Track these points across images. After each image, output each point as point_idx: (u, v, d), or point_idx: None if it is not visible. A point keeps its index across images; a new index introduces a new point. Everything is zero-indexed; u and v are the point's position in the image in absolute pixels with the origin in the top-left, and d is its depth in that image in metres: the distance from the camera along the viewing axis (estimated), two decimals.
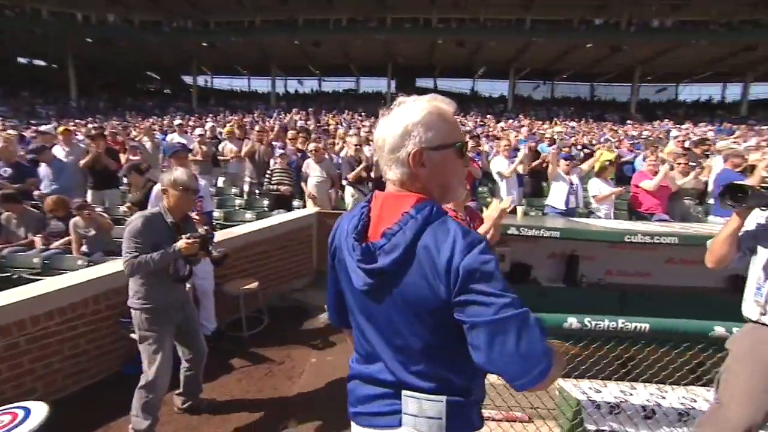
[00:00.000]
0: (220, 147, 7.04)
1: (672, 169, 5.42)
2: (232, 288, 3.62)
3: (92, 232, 4.09)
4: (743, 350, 1.77)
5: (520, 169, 5.89)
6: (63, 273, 3.20)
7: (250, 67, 32.10)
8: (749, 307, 1.80)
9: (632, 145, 10.67)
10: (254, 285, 3.68)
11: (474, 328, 0.81)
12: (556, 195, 5.05)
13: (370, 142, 7.44)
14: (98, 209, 5.04)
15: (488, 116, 19.93)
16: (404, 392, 0.91)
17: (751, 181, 5.37)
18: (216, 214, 5.44)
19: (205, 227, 2.37)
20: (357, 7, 23.78)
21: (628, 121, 20.58)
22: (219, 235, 3.83)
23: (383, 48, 25.51)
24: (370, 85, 33.16)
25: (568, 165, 5.11)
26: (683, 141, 10.45)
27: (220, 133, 8.55)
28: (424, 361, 0.90)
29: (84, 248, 4.14)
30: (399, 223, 0.88)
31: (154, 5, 24.26)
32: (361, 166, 5.41)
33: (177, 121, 7.97)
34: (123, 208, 4.87)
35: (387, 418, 0.94)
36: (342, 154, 6.52)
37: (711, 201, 5.66)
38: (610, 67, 27.24)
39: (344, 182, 5.64)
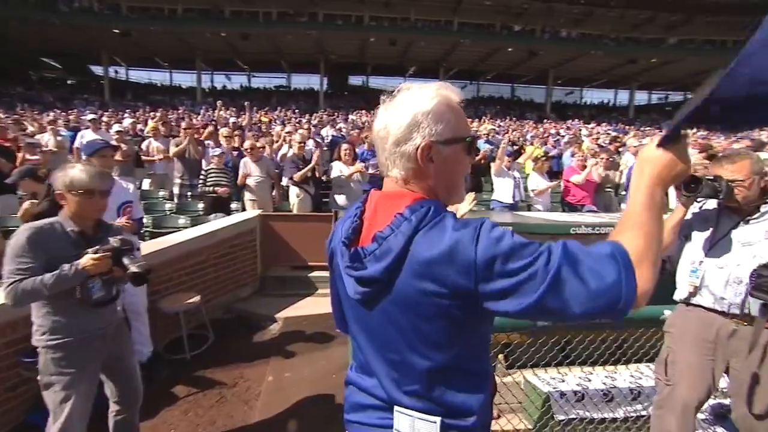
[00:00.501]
0: (143, 146, 6.32)
1: (596, 164, 5.92)
2: (170, 304, 3.22)
3: None
4: (681, 332, 1.91)
5: None
6: None
7: (173, 59, 29.55)
8: (683, 290, 1.93)
9: (555, 142, 11.59)
10: (196, 299, 3.31)
11: (537, 309, 0.69)
12: (503, 190, 5.25)
13: (311, 140, 7.18)
14: None
15: None
16: (396, 408, 0.83)
17: None
18: (144, 220, 4.86)
19: (120, 237, 1.87)
20: (286, 0, 22.96)
21: (545, 120, 22.45)
22: (151, 245, 3.40)
23: (315, 44, 24.97)
24: (302, 81, 32.27)
25: (509, 160, 5.34)
26: (597, 138, 11.57)
27: (142, 130, 7.70)
28: (419, 381, 0.81)
29: None
30: (391, 226, 0.78)
31: None
32: (309, 166, 5.17)
33: (90, 116, 6.94)
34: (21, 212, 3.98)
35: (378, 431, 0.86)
36: (282, 152, 6.19)
37: (624, 192, 6.28)
38: (527, 70, 29.46)
39: (288, 182, 5.35)
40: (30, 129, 7.91)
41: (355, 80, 33.59)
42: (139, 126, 9.39)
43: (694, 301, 1.89)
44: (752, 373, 1.72)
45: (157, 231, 4.71)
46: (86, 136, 6.26)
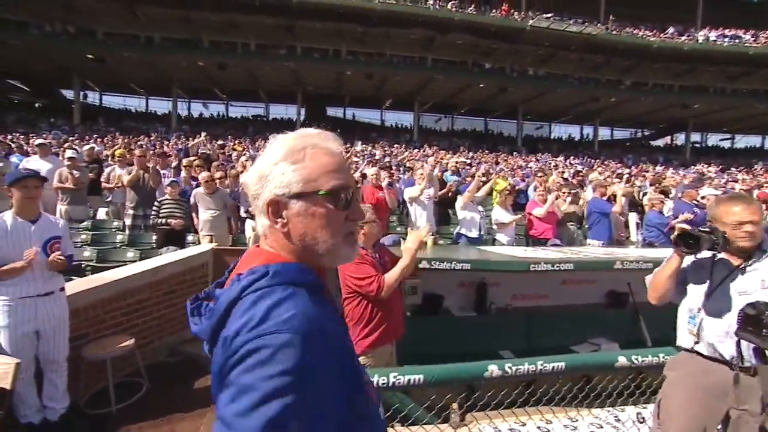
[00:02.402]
0: (106, 173, 6.03)
1: (558, 197, 6.01)
2: (96, 350, 2.90)
3: None
4: (679, 377, 1.84)
5: (431, 192, 5.96)
6: None
7: (148, 86, 29.27)
8: (683, 337, 1.87)
9: (523, 174, 11.88)
10: (128, 343, 3.01)
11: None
12: (471, 223, 5.23)
13: None
14: None
15: (395, 146, 20.83)
16: None
17: (615, 208, 6.22)
18: (87, 253, 4.55)
19: None
20: (265, 33, 23.38)
21: (515, 153, 23.27)
22: (80, 284, 3.12)
23: (293, 75, 25.31)
24: (279, 111, 32.49)
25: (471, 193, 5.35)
26: (563, 172, 11.95)
27: (107, 156, 7.41)
28: None
29: None
30: (230, 284, 0.72)
31: (16, 3, 20.67)
32: None
33: (38, 141, 6.57)
34: None
35: None
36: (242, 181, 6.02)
37: (587, 225, 6.37)
38: (499, 105, 30.70)
39: (245, 214, 5.16)
40: None
41: (333, 111, 34.07)
42: (106, 152, 9.10)
43: (696, 348, 1.82)
44: (760, 426, 1.63)
45: (101, 265, 4.40)
46: (31, 163, 5.92)
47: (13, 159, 7.03)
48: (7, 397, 2.04)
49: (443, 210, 6.81)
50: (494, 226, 5.49)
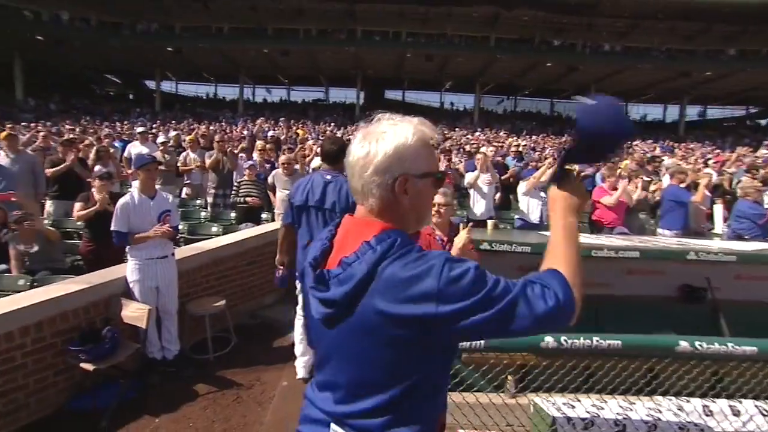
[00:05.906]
0: (181, 157, 6.75)
1: (629, 183, 5.71)
2: (198, 307, 3.44)
3: (35, 248, 3.75)
4: None
5: (489, 178, 5.94)
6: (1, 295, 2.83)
7: (217, 74, 31.49)
8: None
9: None
10: (221, 303, 3.51)
11: (488, 325, 0.78)
12: (531, 209, 5.21)
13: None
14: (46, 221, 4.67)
15: (455, 129, 20.49)
16: (332, 425, 0.86)
17: (696, 197, 5.77)
18: (180, 227, 5.19)
19: None
20: (327, 18, 23.89)
21: None
22: (185, 251, 3.67)
23: (352, 59, 25.68)
24: (338, 95, 33.28)
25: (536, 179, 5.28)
26: (638, 158, 11.12)
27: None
28: (368, 402, 0.84)
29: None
30: (357, 253, 0.82)
31: (114, 6, 23.21)
32: None
33: (139, 129, 7.50)
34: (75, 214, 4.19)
35: None
36: (314, 165, 6.41)
37: (660, 214, 5.97)
38: (567, 84, 28.77)
39: None
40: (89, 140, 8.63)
41: (392, 94, 34.14)
42: (184, 137, 10.03)
43: None
44: None
45: (191, 237, 5.01)
46: (134, 147, 6.78)
47: (117, 144, 8.03)
48: (142, 334, 2.58)
49: (504, 195, 6.76)
50: None
